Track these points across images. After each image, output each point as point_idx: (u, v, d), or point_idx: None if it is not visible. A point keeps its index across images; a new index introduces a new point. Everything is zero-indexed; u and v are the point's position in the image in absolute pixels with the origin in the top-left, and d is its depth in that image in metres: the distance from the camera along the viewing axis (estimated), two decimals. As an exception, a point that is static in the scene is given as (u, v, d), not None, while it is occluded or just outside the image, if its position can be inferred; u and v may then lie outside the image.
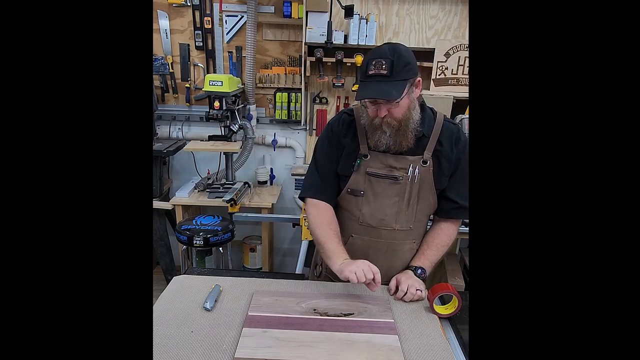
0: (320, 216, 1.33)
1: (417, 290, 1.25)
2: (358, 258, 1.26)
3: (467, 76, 2.60)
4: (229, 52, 2.80)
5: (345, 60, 2.57)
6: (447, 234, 1.38)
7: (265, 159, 3.00)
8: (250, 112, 2.80)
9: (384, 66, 1.15)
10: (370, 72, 1.16)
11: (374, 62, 1.16)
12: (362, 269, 1.14)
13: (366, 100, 1.22)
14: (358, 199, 1.33)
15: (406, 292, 1.24)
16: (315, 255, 1.55)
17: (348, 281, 1.15)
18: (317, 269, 1.51)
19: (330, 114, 2.84)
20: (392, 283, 1.30)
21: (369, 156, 1.29)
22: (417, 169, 1.28)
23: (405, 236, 1.35)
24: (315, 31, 2.55)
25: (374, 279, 1.15)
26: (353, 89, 2.69)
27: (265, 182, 2.95)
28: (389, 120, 1.21)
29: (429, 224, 1.43)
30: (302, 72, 2.66)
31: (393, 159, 1.28)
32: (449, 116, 2.43)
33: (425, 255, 1.36)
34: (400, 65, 1.15)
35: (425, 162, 1.28)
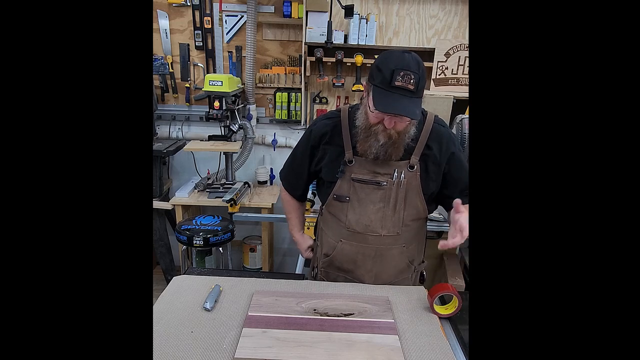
0: (290, 200, 1.57)
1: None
2: (347, 263, 1.37)
3: (467, 76, 2.60)
4: (228, 52, 2.80)
5: (345, 60, 2.57)
6: None
7: (265, 159, 3.00)
8: (250, 112, 2.80)
9: (412, 81, 1.09)
10: (397, 84, 1.09)
11: (401, 74, 1.09)
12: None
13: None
14: (344, 205, 1.32)
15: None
16: (312, 259, 1.56)
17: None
18: (314, 271, 1.51)
19: (330, 114, 2.83)
20: (457, 237, 1.11)
21: (353, 162, 1.28)
22: (402, 174, 1.26)
23: (394, 241, 1.33)
24: (315, 31, 2.55)
25: None
26: (353, 88, 2.69)
27: (265, 182, 2.95)
28: (390, 132, 1.18)
29: (429, 225, 1.42)
30: (302, 72, 2.66)
31: (377, 164, 1.26)
32: (449, 116, 2.47)
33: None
34: (423, 81, 1.13)
35: (412, 167, 1.26)
